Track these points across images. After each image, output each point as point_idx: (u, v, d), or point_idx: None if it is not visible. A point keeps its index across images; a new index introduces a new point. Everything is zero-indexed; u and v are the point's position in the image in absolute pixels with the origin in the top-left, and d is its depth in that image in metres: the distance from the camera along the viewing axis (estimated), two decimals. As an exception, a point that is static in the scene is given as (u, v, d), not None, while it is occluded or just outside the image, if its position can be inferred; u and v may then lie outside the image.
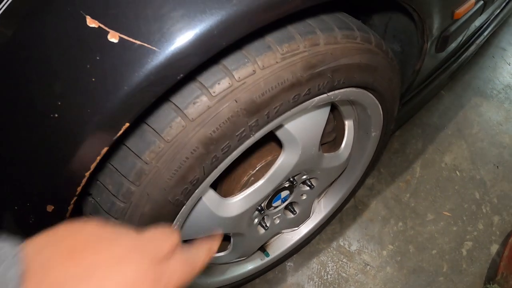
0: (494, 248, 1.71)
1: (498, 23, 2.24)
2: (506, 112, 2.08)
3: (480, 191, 1.81)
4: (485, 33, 2.17)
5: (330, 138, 1.29)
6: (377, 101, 1.11)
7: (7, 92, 0.58)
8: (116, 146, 0.70)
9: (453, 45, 1.66)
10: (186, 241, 1.24)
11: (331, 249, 1.65)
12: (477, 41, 2.09)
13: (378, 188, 1.77)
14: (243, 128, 0.73)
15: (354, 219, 1.71)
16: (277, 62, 0.71)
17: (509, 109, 2.09)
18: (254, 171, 1.11)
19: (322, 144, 1.27)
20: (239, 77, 0.68)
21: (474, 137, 1.96)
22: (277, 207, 1.26)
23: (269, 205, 1.21)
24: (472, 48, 2.06)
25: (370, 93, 1.05)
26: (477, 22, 2.03)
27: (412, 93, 1.52)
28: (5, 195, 0.65)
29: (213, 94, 0.67)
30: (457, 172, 1.84)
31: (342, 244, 1.66)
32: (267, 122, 0.78)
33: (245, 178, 1.12)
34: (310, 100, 0.84)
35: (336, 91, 0.90)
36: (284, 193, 1.22)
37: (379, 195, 1.75)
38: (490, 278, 1.64)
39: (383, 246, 1.65)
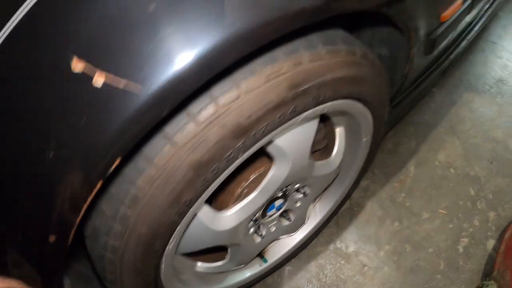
0: (491, 243, 1.74)
1: (488, 18, 2.26)
2: (499, 107, 2.11)
3: (475, 188, 1.84)
4: (476, 28, 2.19)
5: (322, 145, 1.32)
6: (366, 109, 1.14)
7: (2, 131, 0.61)
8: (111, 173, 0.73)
9: (444, 43, 1.69)
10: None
11: (329, 251, 1.68)
12: (468, 37, 2.12)
13: (373, 189, 1.80)
14: (231, 150, 0.76)
15: (350, 221, 1.74)
16: (261, 85, 0.74)
17: (502, 104, 2.12)
18: (247, 182, 1.14)
19: (313, 151, 1.30)
20: (224, 103, 0.71)
21: (467, 133, 1.99)
22: (272, 215, 1.29)
23: (263, 214, 1.24)
24: (463, 44, 2.08)
25: (358, 102, 1.08)
26: (468, 18, 2.05)
27: (403, 95, 1.54)
28: (7, 227, 0.68)
29: (199, 121, 0.70)
30: (451, 169, 1.87)
31: (339, 246, 1.69)
32: (255, 142, 0.81)
33: (239, 190, 1.15)
34: (297, 117, 0.86)
35: (323, 105, 0.92)
36: (278, 202, 1.25)
37: (374, 196, 1.79)
38: (487, 274, 1.68)
39: (380, 246, 1.69)
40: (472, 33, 2.14)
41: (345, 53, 0.90)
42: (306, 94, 0.83)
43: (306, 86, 0.81)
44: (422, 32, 1.23)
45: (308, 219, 1.53)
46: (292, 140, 0.98)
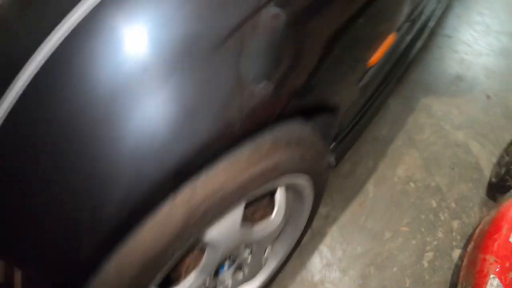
0: (456, 253, 1.84)
1: (442, 11, 2.28)
2: (458, 107, 2.18)
3: (436, 199, 1.93)
4: (431, 25, 2.23)
5: (263, 203, 1.39)
6: (298, 175, 1.21)
7: None
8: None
9: (386, 69, 1.74)
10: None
11: (296, 283, 1.78)
12: (423, 37, 2.15)
13: (334, 216, 1.89)
14: (149, 278, 0.86)
15: (313, 250, 1.83)
16: (158, 224, 0.82)
17: (460, 104, 2.19)
18: (194, 253, 1.23)
19: (253, 213, 1.38)
20: (128, 249, 0.79)
21: (425, 142, 2.07)
22: (224, 274, 1.38)
23: (216, 275, 1.33)
24: (418, 44, 2.13)
25: (287, 175, 1.15)
26: (424, 17, 2.08)
27: (347, 129, 1.61)
28: None
29: (109, 272, 0.79)
30: (411, 183, 1.96)
31: (304, 276, 1.79)
32: (169, 259, 0.90)
33: (187, 262, 1.23)
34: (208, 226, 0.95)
35: (238, 203, 1.01)
36: (227, 263, 1.34)
37: (335, 223, 1.87)
38: (454, 285, 1.79)
39: (344, 272, 1.79)
40: (427, 31, 2.18)
41: (248, 154, 0.96)
42: (208, 213, 0.90)
43: (205, 209, 0.89)
44: (345, 93, 1.28)
45: (266, 262, 1.62)
46: (216, 232, 1.05)
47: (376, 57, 1.37)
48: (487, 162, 2.04)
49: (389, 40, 1.43)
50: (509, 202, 1.76)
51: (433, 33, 2.42)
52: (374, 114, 1.80)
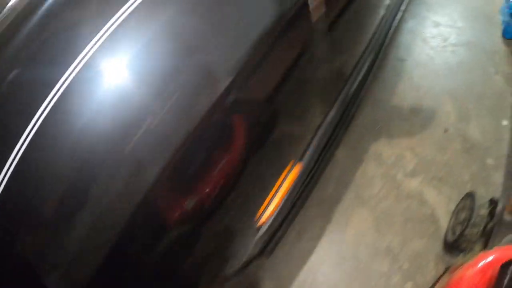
0: (410, 317, 1.83)
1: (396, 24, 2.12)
2: (412, 149, 2.06)
3: (388, 262, 1.87)
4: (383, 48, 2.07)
5: None
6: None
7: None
8: None
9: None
10: None
11: None
12: (373, 70, 2.00)
13: (279, 293, 1.84)
14: None
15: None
16: None
17: (415, 144, 2.07)
18: None
19: None
20: None
21: (376, 198, 1.97)
22: None
23: None
24: (369, 79, 1.99)
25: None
26: (375, 48, 1.92)
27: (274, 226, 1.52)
28: None
29: None
30: (360, 248, 1.88)
31: None
32: None
33: None
34: None
35: None
36: None
37: (280, 301, 1.83)
38: None
39: None
40: (379, 59, 2.03)
41: None
42: None
43: None
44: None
45: None
46: None
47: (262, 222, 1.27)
48: (444, 210, 1.97)
49: (289, 179, 1.31)
50: (461, 271, 1.72)
51: (385, 57, 2.25)
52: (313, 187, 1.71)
